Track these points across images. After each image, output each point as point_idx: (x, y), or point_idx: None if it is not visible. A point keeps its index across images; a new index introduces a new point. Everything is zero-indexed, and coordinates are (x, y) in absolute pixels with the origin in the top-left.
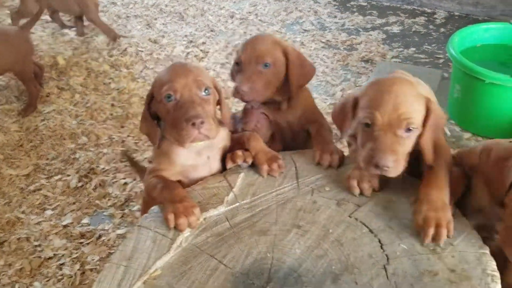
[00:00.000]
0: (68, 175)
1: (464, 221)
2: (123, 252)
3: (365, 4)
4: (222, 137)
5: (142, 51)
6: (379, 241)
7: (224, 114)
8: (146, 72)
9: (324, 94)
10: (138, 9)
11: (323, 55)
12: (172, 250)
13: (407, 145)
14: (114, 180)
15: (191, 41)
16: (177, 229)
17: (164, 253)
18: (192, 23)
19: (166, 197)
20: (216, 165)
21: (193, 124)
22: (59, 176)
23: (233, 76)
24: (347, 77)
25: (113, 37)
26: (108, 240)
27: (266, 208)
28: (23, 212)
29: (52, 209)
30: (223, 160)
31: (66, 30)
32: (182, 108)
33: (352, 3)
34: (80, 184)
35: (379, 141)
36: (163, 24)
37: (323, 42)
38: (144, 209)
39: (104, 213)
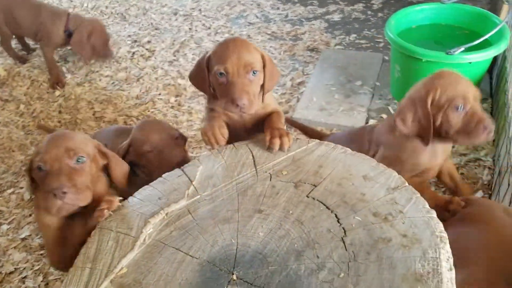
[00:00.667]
0: (21, 188)
1: (411, 189)
2: (86, 255)
3: None
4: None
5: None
6: (336, 216)
7: (115, 176)
8: (91, 76)
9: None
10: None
11: (270, 46)
12: (136, 247)
13: None
14: None
15: (135, 41)
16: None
17: (128, 251)
18: (135, 22)
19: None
20: None
21: (55, 195)
22: (12, 190)
23: (221, 87)
24: (295, 67)
25: (55, 80)
26: None
27: (228, 197)
28: None
29: (8, 223)
30: None
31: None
32: (48, 179)
33: None
34: (34, 196)
35: None
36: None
37: (268, 34)
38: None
39: None
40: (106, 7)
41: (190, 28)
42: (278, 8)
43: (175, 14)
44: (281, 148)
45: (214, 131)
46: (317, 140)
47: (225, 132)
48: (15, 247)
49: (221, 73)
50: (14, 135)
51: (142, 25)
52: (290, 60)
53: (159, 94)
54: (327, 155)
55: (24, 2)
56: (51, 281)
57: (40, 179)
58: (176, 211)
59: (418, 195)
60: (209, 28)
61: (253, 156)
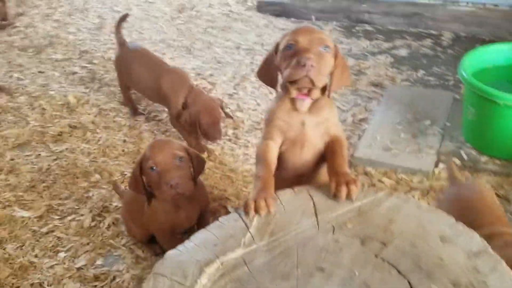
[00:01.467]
0: (82, 215)
1: (495, 256)
2: None
3: (371, 29)
4: None
5: None
6: (409, 283)
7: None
8: (153, 107)
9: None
10: (147, 45)
11: None
12: None
13: None
14: None
15: (199, 74)
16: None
17: None
18: (199, 56)
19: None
20: None
21: (171, 185)
22: (73, 216)
23: (287, 60)
24: (357, 102)
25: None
26: (123, 282)
27: (286, 249)
28: (35, 256)
29: (66, 251)
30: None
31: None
32: (163, 176)
33: (357, 28)
34: (93, 224)
35: None
36: (171, 58)
37: None
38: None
39: (118, 253)
40: (174, 40)
41: (251, 62)
42: (341, 42)
43: (238, 48)
44: (348, 197)
45: (259, 202)
46: (387, 190)
47: (273, 204)
48: (69, 277)
49: (290, 45)
50: (79, 162)
51: (206, 58)
52: (352, 95)
53: None
54: (399, 208)
55: (146, 61)
56: None
57: (152, 177)
58: (232, 261)
59: (504, 263)
60: None
61: (314, 203)
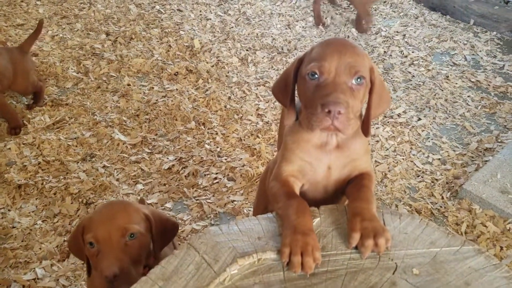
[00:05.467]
0: (168, 156)
1: None
2: (163, 270)
3: None
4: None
5: (273, 52)
6: None
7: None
8: (268, 72)
9: (456, 141)
10: (284, 8)
11: (468, 96)
12: (212, 285)
13: None
14: (207, 172)
15: None
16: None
17: (203, 285)
18: (333, 31)
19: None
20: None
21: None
22: (160, 155)
23: (308, 93)
24: (489, 128)
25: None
26: (182, 231)
27: (333, 271)
28: (117, 180)
29: (144, 185)
30: None
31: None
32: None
33: None
34: (175, 168)
35: None
36: (303, 27)
37: (471, 82)
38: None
39: (187, 203)
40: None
41: (385, 52)
42: (494, 57)
43: (377, 33)
44: (375, 252)
45: (306, 251)
46: (477, 247)
47: (319, 257)
48: None
49: (313, 74)
50: (183, 105)
51: (339, 36)
52: (486, 118)
53: None
54: (482, 272)
55: None
56: None
57: (92, 254)
58: (269, 261)
59: None
60: (406, 56)
61: None
